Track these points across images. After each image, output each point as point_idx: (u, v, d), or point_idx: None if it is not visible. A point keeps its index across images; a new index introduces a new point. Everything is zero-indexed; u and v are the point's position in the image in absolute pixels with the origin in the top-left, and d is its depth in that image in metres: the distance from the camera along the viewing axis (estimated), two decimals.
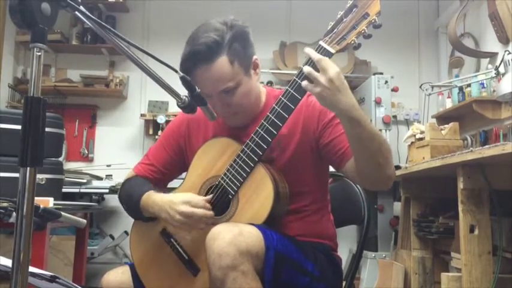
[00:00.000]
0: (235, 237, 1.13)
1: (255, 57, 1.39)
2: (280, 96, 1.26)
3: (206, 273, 1.26)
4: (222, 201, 1.31)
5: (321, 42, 1.21)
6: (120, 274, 1.42)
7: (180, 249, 1.36)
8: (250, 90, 1.37)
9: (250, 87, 1.37)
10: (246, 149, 1.29)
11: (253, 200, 1.27)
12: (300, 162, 1.38)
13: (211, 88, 1.31)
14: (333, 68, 1.15)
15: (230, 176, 1.30)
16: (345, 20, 1.20)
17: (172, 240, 1.38)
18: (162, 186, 1.53)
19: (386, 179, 1.28)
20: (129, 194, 1.43)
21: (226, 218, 1.29)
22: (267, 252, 1.17)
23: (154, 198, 1.35)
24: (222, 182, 1.31)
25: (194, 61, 1.30)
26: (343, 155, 1.33)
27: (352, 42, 1.20)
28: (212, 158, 1.37)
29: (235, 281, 1.10)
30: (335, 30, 1.21)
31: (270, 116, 1.27)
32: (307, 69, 1.16)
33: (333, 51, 1.20)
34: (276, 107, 1.26)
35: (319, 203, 1.44)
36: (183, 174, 1.48)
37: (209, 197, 1.31)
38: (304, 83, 1.17)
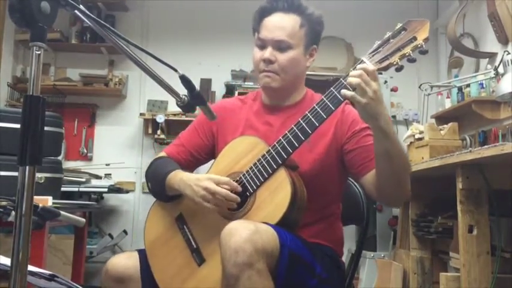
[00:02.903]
0: (252, 234, 1.12)
1: (315, 46, 1.46)
2: (314, 105, 1.27)
3: (210, 265, 1.28)
4: (239, 197, 1.32)
5: (363, 58, 1.23)
6: (125, 259, 1.42)
7: (190, 236, 1.37)
8: (297, 63, 1.42)
9: (299, 61, 1.43)
10: (271, 150, 1.30)
11: (270, 201, 1.28)
12: (325, 162, 1.39)
13: (271, 34, 1.39)
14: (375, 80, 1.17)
15: (252, 174, 1.31)
16: (391, 41, 1.22)
17: (185, 227, 1.39)
18: (190, 170, 1.53)
19: (403, 197, 1.33)
20: (156, 171, 1.45)
21: (241, 215, 1.30)
22: (281, 251, 1.17)
23: (181, 175, 1.37)
24: (243, 178, 1.33)
25: (275, 5, 1.41)
26: (365, 165, 1.35)
27: (395, 63, 1.21)
28: (238, 154, 1.38)
29: (250, 279, 1.09)
30: (380, 49, 1.23)
31: (301, 122, 1.28)
32: (355, 80, 1.16)
33: (374, 68, 1.21)
34: (308, 114, 1.27)
35: (332, 209, 1.47)
36: (205, 169, 1.49)
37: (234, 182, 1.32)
38: (350, 92, 1.17)
